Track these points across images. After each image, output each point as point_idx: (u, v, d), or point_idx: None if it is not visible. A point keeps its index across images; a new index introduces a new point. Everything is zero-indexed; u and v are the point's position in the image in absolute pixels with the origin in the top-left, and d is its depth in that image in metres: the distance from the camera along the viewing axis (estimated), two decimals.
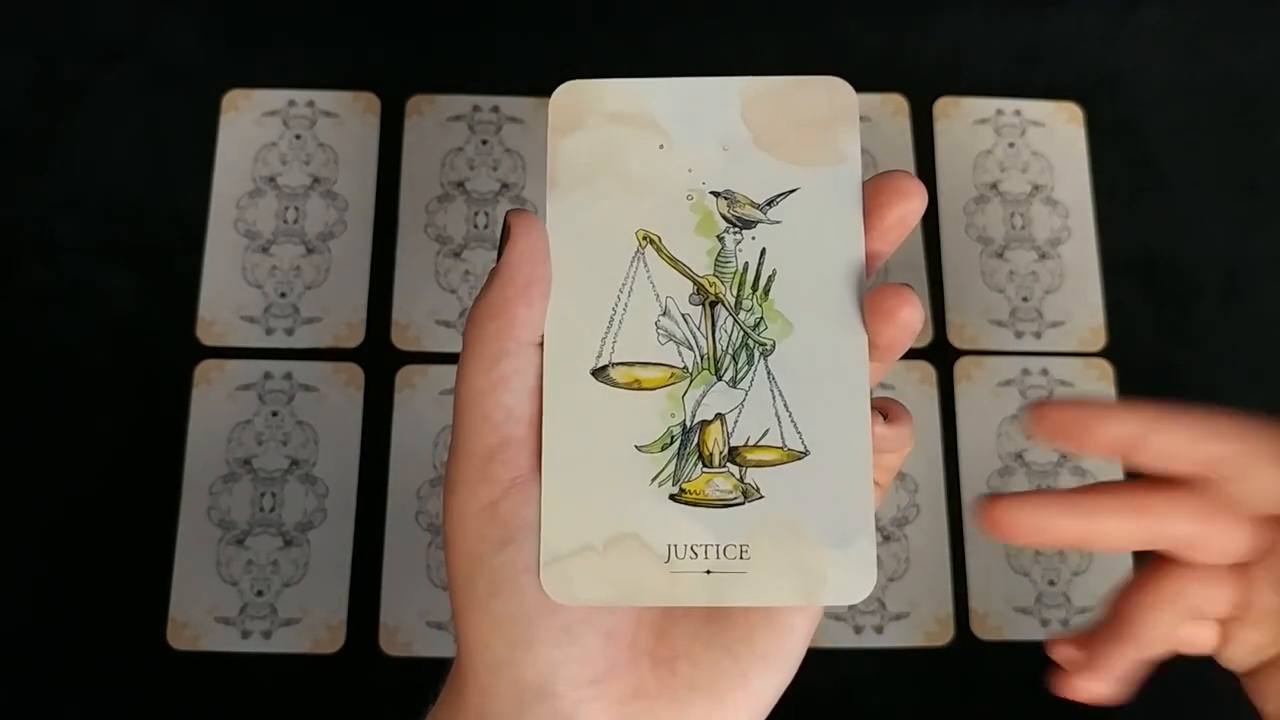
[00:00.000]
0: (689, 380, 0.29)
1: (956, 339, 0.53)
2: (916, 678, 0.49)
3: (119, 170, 0.54)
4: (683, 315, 0.30)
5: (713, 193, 0.30)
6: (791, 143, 0.30)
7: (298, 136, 0.54)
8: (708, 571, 0.29)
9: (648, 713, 0.29)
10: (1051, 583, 0.50)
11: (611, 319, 0.30)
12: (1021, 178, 0.55)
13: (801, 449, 0.29)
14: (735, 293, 0.30)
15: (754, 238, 0.30)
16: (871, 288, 0.29)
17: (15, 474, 0.50)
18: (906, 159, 0.54)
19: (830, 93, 0.30)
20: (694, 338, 0.30)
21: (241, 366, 0.51)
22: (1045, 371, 0.52)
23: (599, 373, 0.29)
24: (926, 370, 0.52)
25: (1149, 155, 0.55)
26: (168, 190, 0.54)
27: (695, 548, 0.29)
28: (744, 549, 0.29)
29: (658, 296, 0.30)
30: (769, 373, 0.29)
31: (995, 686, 0.49)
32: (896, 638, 0.49)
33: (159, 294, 0.52)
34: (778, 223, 0.30)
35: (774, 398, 0.29)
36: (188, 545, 0.49)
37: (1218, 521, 0.30)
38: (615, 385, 0.29)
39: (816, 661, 0.48)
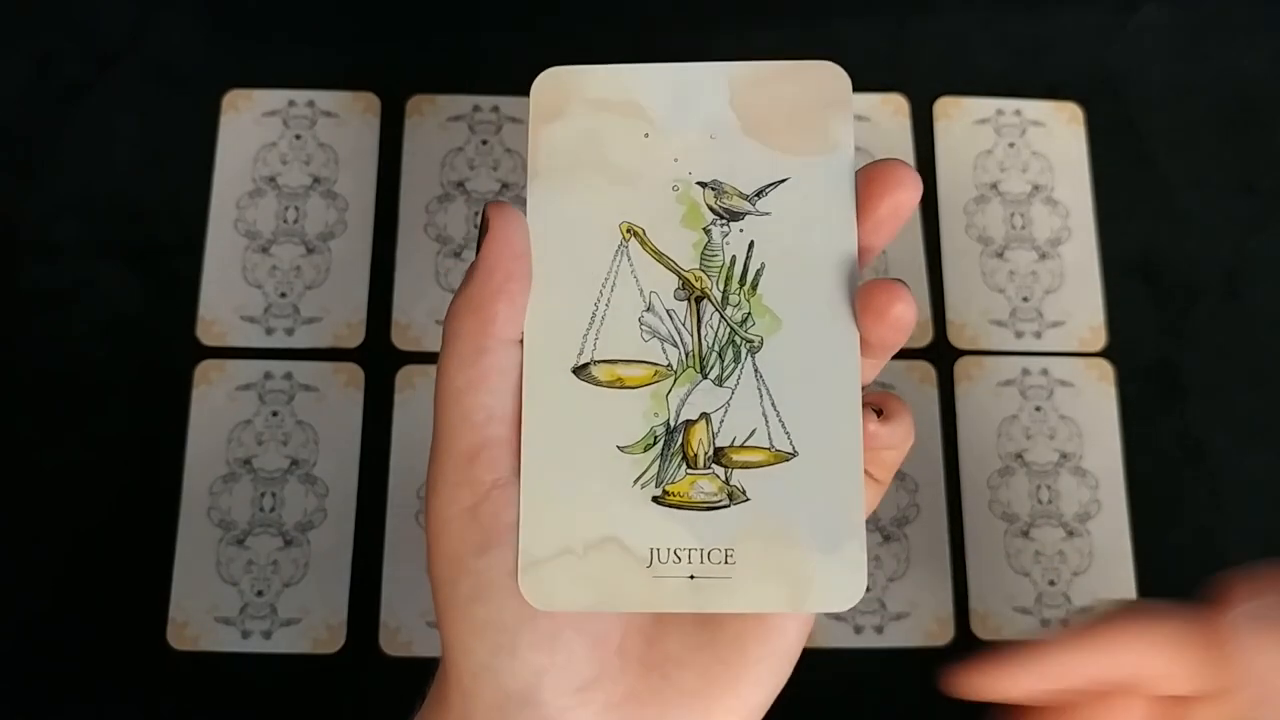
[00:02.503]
0: (673, 378, 0.29)
1: (956, 339, 0.53)
2: (916, 678, 0.49)
3: (119, 170, 0.54)
4: (667, 311, 0.29)
5: (699, 183, 0.29)
6: (782, 131, 0.29)
7: (298, 136, 0.54)
8: (691, 576, 0.28)
9: (637, 719, 0.28)
10: (1052, 583, 0.50)
11: (594, 315, 0.29)
12: (1021, 178, 0.55)
13: (789, 450, 0.28)
14: (722, 287, 0.29)
15: (742, 230, 0.29)
16: (864, 282, 0.28)
17: (14, 474, 0.50)
18: (906, 159, 0.54)
19: (823, 78, 0.29)
20: (679, 334, 0.29)
21: (241, 366, 0.51)
22: (1045, 371, 0.52)
23: (580, 370, 0.29)
24: (926, 370, 0.52)
25: (1149, 155, 0.55)
26: (168, 190, 0.54)
27: (679, 552, 0.28)
28: (729, 553, 0.28)
29: (641, 291, 0.29)
30: (756, 370, 0.28)
31: None
32: (896, 638, 0.49)
33: (159, 294, 0.52)
34: (767, 214, 0.29)
35: (761, 396, 0.28)
36: (188, 545, 0.49)
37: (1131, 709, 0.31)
38: (597, 383, 0.29)
39: (816, 661, 0.49)
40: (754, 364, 0.28)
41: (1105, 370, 0.52)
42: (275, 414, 0.51)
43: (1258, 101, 0.57)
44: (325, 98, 0.55)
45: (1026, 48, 0.57)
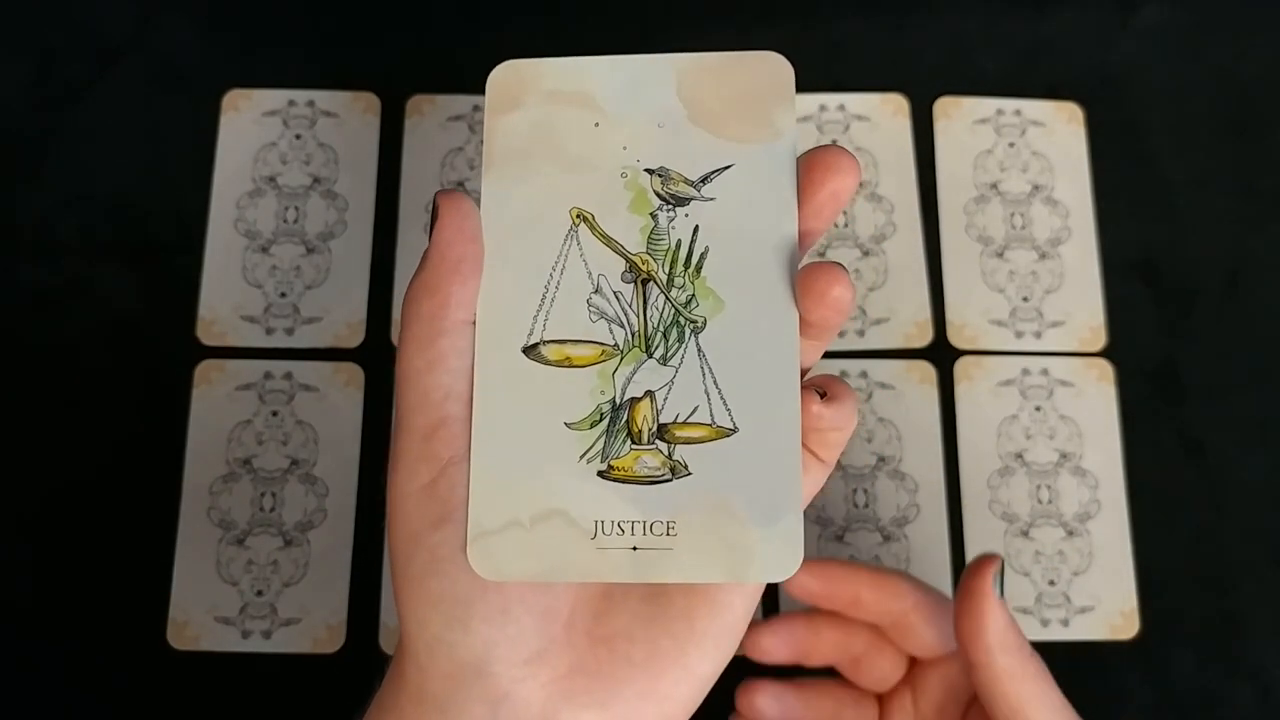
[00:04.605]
0: (619, 358, 0.30)
1: (956, 339, 0.53)
2: None
3: (119, 170, 0.54)
4: (615, 293, 0.30)
5: (647, 170, 0.30)
6: (727, 119, 0.30)
7: (298, 136, 0.55)
8: (634, 548, 0.29)
9: (584, 690, 0.29)
10: (1051, 583, 0.50)
11: (544, 297, 0.30)
12: (1021, 178, 0.55)
13: (730, 426, 0.29)
14: (667, 270, 0.30)
15: (687, 215, 0.30)
16: (804, 265, 0.29)
17: (15, 474, 0.50)
18: (906, 159, 0.54)
19: (767, 68, 0.30)
20: (625, 315, 0.30)
21: (241, 366, 0.51)
22: (1045, 371, 0.52)
23: (530, 350, 0.30)
24: (926, 370, 0.52)
25: (1149, 155, 0.55)
26: (168, 190, 0.54)
27: (622, 524, 0.29)
28: (670, 525, 0.29)
29: (590, 274, 0.30)
30: (699, 350, 0.29)
31: None
32: None
33: (159, 294, 0.52)
34: (711, 199, 0.30)
35: (704, 375, 0.29)
36: (188, 545, 0.49)
37: (883, 650, 0.41)
38: (546, 362, 0.30)
39: None
40: (697, 344, 0.29)
41: (1105, 370, 0.52)
42: (275, 414, 0.51)
43: (1258, 101, 0.57)
44: (325, 98, 0.55)
45: (1026, 48, 0.57)
